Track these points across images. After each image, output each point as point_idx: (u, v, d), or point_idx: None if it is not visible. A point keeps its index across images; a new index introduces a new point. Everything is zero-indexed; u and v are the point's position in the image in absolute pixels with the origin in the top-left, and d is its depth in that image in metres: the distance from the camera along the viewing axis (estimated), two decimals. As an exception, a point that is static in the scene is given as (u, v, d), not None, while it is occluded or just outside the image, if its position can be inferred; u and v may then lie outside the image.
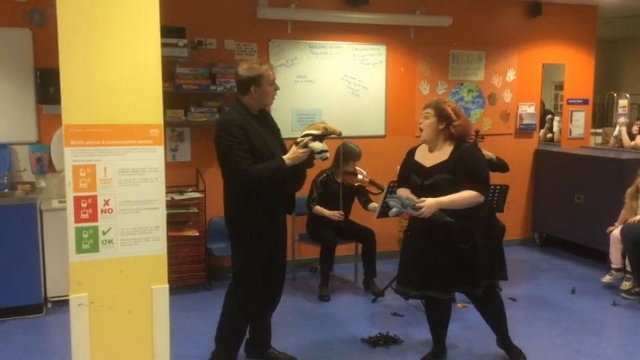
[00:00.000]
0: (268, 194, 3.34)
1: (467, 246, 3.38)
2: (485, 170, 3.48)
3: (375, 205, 5.06)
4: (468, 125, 3.56)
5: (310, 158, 3.36)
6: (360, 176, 5.06)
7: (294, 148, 3.33)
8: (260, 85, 3.31)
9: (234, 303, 3.50)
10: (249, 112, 3.36)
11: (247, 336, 3.73)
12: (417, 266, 3.47)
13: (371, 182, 5.02)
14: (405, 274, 3.58)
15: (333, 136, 3.46)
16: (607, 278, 5.28)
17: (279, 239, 3.57)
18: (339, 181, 5.11)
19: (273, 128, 3.55)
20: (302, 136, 3.37)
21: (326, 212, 5.05)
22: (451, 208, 3.32)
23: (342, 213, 5.01)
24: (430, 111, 3.47)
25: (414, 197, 3.40)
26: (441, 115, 3.43)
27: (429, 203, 3.30)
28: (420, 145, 3.63)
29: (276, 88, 3.41)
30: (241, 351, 3.82)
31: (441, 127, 3.43)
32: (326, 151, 3.35)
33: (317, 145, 3.31)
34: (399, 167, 3.74)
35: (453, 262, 3.41)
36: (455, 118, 3.43)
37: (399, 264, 3.70)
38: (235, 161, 3.21)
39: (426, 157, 3.50)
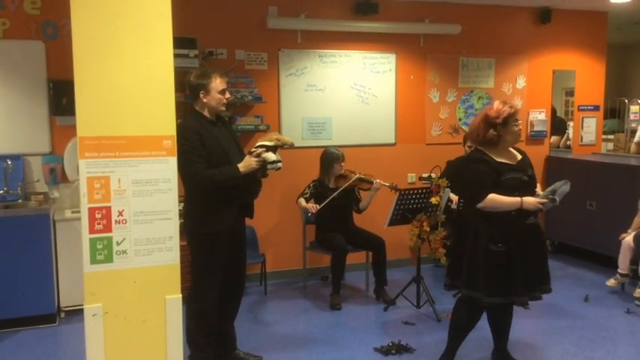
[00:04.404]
0: (226, 199, 3.43)
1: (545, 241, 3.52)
2: None
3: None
4: None
5: (263, 168, 3.49)
6: (349, 176, 5.14)
7: (247, 157, 3.46)
8: (208, 92, 3.43)
9: (198, 305, 3.55)
10: (205, 117, 3.47)
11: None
12: (530, 268, 3.42)
13: (360, 179, 5.12)
14: (518, 282, 3.39)
15: (285, 146, 3.61)
16: (611, 282, 5.30)
17: (237, 244, 3.63)
18: (332, 186, 5.18)
19: (232, 136, 3.67)
20: (256, 147, 3.50)
21: (304, 204, 5.08)
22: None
23: (315, 206, 5.01)
24: None
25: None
26: None
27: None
28: (480, 150, 3.55)
29: (227, 97, 3.50)
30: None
31: None
32: (279, 161, 3.50)
33: (269, 156, 3.46)
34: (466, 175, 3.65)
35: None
36: None
37: (488, 276, 3.39)
38: (188, 165, 3.29)
39: (507, 157, 3.51)
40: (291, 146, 3.66)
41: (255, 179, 3.57)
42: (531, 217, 3.41)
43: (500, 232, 3.39)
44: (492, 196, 3.37)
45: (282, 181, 5.44)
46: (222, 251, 3.51)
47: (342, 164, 5.20)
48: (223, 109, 3.54)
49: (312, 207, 5.01)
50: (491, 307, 3.55)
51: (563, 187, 3.37)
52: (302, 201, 5.13)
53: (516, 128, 3.46)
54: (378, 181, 5.06)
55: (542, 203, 3.33)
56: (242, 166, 3.41)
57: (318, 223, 5.32)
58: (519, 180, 3.41)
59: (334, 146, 5.42)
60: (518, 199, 3.34)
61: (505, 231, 3.38)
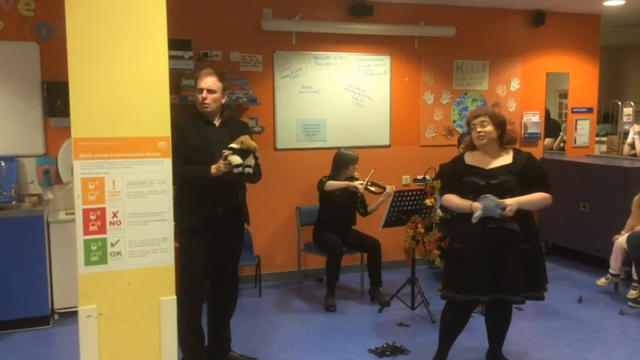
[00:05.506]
0: (201, 197, 3.43)
1: (526, 247, 3.44)
2: (548, 175, 3.58)
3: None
4: (516, 131, 3.63)
5: (231, 172, 3.34)
6: (360, 180, 5.13)
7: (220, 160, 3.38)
8: (195, 91, 3.50)
9: (185, 307, 3.48)
10: (200, 117, 3.48)
11: (206, 343, 3.80)
12: (484, 271, 3.40)
13: (372, 183, 5.11)
14: (469, 281, 3.44)
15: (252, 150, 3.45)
16: (602, 281, 5.35)
17: (226, 245, 3.62)
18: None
19: (234, 138, 3.50)
20: (227, 149, 3.38)
21: (341, 184, 5.04)
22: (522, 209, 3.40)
23: (361, 183, 5.01)
24: (487, 119, 3.49)
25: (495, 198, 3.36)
26: (498, 122, 3.51)
27: (512, 202, 3.34)
28: (465, 152, 3.67)
29: (202, 96, 3.44)
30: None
31: (497, 134, 3.50)
32: (247, 166, 3.35)
33: (234, 159, 3.32)
34: (438, 175, 3.73)
35: (518, 263, 3.43)
36: (509, 124, 3.60)
37: (450, 272, 3.56)
38: None
39: (482, 161, 3.52)
40: (255, 151, 3.43)
41: (232, 182, 3.46)
42: (491, 222, 3.35)
43: (461, 231, 3.52)
44: (446, 196, 3.58)
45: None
46: (198, 250, 3.49)
47: (355, 166, 5.21)
48: (202, 109, 3.46)
49: (360, 185, 4.99)
50: (456, 304, 3.55)
51: (482, 201, 3.34)
52: (333, 182, 5.06)
53: (473, 132, 3.52)
54: (391, 186, 5.05)
55: (476, 208, 3.34)
56: (213, 168, 3.35)
57: (319, 222, 5.30)
58: (475, 184, 3.45)
59: (346, 147, 5.43)
60: (468, 202, 3.42)
61: (464, 230, 3.48)
